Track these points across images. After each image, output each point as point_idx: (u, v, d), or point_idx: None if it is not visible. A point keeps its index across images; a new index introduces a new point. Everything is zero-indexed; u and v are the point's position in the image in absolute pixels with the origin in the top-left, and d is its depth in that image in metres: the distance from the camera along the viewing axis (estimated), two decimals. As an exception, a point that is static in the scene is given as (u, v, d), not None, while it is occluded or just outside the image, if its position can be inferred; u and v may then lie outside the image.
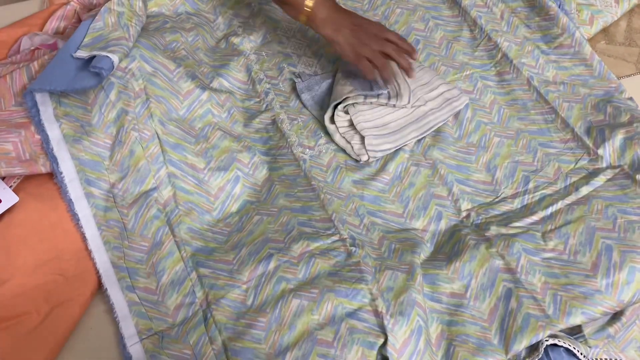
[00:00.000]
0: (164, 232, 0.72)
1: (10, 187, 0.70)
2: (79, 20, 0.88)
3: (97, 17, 0.78)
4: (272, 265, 0.69)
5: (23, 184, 0.72)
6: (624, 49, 0.96)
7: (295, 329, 0.64)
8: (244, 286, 0.68)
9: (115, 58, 0.73)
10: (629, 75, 0.92)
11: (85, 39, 0.76)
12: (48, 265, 0.68)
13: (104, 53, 0.73)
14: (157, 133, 0.77)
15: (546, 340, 0.62)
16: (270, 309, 0.66)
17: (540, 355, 0.62)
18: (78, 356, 0.66)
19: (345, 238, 0.72)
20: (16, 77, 0.76)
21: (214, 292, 0.68)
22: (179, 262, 0.71)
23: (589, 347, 0.64)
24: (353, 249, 0.71)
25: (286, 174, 0.80)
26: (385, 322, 0.63)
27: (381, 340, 0.62)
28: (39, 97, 0.73)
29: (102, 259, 0.70)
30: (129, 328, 0.67)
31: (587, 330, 0.65)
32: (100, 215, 0.71)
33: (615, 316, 0.67)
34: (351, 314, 0.65)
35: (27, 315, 0.65)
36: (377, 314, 0.64)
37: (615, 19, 0.97)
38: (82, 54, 0.74)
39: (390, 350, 0.61)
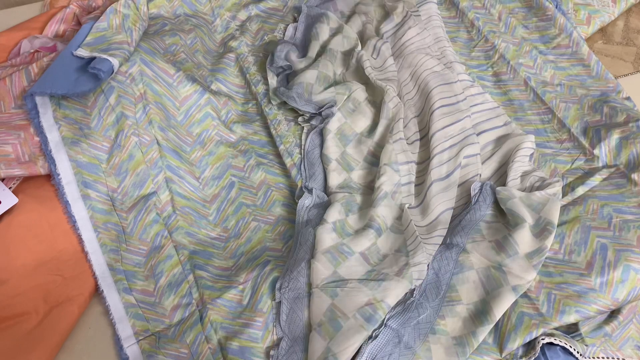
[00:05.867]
0: (163, 235, 0.73)
1: (10, 188, 0.71)
2: (78, 23, 0.89)
3: (101, 17, 0.78)
4: (268, 267, 0.70)
5: (22, 185, 0.73)
6: (622, 48, 0.96)
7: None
8: (240, 287, 0.69)
9: (115, 62, 0.74)
10: (626, 75, 0.92)
11: (88, 38, 0.76)
12: (47, 265, 0.69)
13: (104, 56, 0.73)
14: (156, 139, 0.77)
15: (542, 339, 0.62)
16: (267, 309, 0.66)
17: (536, 354, 0.62)
18: (76, 356, 0.67)
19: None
20: (15, 79, 0.77)
21: (209, 292, 0.69)
22: (177, 266, 0.71)
23: (586, 345, 0.64)
24: None
25: (282, 182, 0.80)
26: None
27: None
28: (39, 99, 0.74)
29: (98, 261, 0.70)
30: (125, 330, 0.67)
31: (584, 329, 0.65)
32: (97, 217, 0.72)
33: (613, 315, 0.67)
34: None
35: (26, 315, 0.66)
36: None
37: (613, 18, 0.97)
38: (83, 52, 0.74)
39: None
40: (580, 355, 0.62)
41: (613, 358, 0.65)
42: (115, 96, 0.76)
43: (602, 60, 0.93)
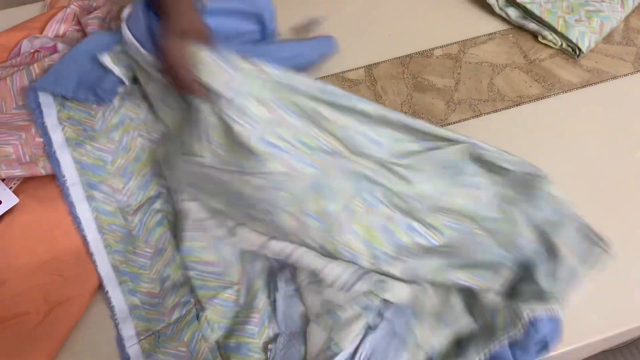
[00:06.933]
0: (166, 238, 0.73)
1: (10, 188, 0.71)
2: (79, 23, 0.88)
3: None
4: (260, 265, 0.70)
5: (23, 185, 0.73)
6: (622, 48, 0.96)
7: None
8: (236, 287, 0.69)
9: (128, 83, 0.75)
10: (626, 75, 0.92)
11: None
12: (47, 265, 0.69)
13: (124, 79, 0.74)
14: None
15: (528, 314, 0.60)
16: (262, 305, 0.67)
17: (525, 328, 0.60)
18: (77, 356, 0.67)
19: None
20: (16, 79, 0.77)
21: (203, 292, 0.69)
22: (180, 268, 0.71)
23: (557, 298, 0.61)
24: None
25: None
26: None
27: None
28: (42, 99, 0.74)
29: (103, 262, 0.70)
30: (128, 330, 0.67)
31: (544, 285, 0.62)
32: (102, 219, 0.72)
33: (550, 255, 0.64)
34: None
35: (26, 316, 0.66)
36: None
37: (620, 21, 0.96)
38: (108, 63, 0.73)
39: None
40: (560, 311, 0.61)
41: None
42: (120, 98, 0.76)
43: (602, 60, 0.93)
